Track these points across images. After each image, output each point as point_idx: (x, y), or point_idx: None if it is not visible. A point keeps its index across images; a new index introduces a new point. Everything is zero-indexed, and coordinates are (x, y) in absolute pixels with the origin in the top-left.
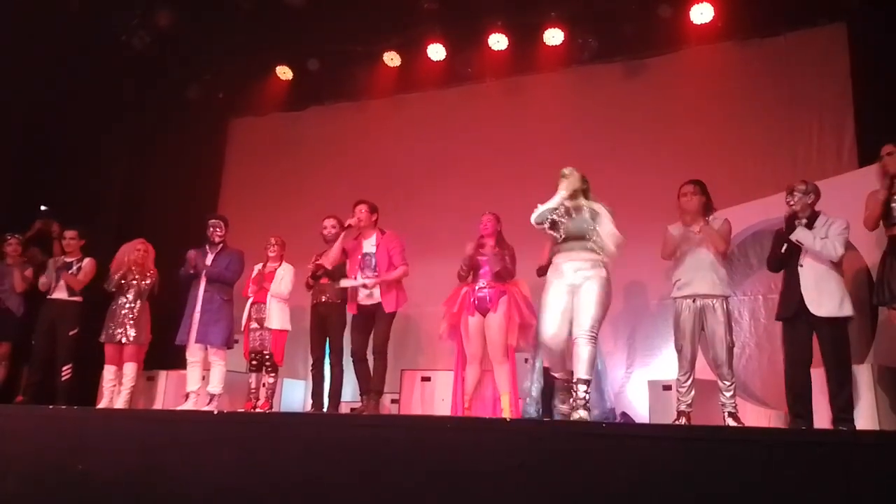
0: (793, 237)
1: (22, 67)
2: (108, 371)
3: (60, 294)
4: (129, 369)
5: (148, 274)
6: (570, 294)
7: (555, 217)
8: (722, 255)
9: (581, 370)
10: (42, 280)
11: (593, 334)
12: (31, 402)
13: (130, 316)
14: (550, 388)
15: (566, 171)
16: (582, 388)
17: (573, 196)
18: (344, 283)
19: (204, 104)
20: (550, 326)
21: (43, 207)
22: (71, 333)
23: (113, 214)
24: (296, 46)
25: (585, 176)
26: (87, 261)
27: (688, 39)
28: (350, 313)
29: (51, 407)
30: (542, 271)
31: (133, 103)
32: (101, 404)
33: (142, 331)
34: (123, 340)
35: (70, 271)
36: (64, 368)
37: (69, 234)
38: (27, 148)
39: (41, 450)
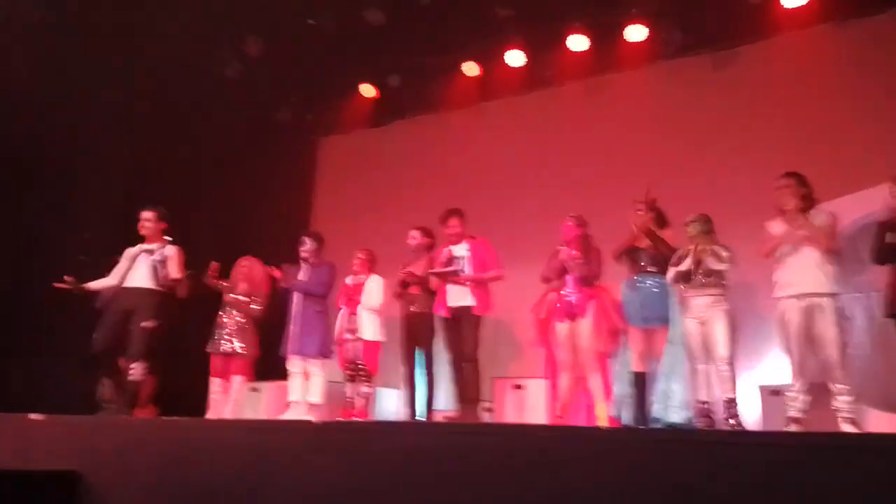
0: None
1: (128, 104)
2: (214, 383)
3: (136, 282)
4: (236, 382)
5: (257, 294)
6: (700, 324)
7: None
8: (829, 251)
9: (727, 391)
10: (109, 282)
11: (729, 362)
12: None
13: (237, 329)
14: (642, 396)
15: (689, 219)
16: (730, 405)
17: (699, 241)
18: (436, 270)
19: (294, 126)
20: (696, 356)
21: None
22: (144, 324)
23: (214, 235)
24: (377, 63)
25: (708, 217)
26: (170, 249)
27: (780, 25)
28: (441, 316)
29: (166, 418)
30: (618, 253)
31: (229, 129)
32: (209, 415)
33: (248, 344)
34: (231, 351)
35: (153, 257)
36: (131, 365)
37: (145, 215)
38: (135, 176)
39: (160, 458)
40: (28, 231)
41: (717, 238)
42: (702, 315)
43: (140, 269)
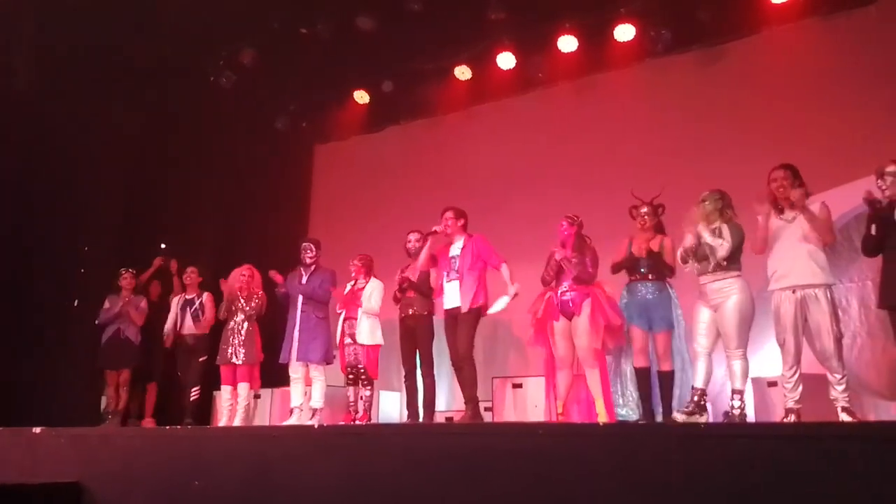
0: None
1: (127, 116)
2: (225, 391)
3: (191, 330)
4: (243, 389)
5: (254, 297)
6: (713, 311)
7: (697, 251)
8: (828, 244)
9: (735, 382)
10: (166, 329)
11: (741, 350)
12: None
13: (240, 337)
14: (647, 391)
15: (703, 196)
16: (737, 397)
17: (710, 220)
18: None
19: (290, 134)
20: (698, 342)
21: (162, 245)
22: (201, 360)
23: (216, 243)
24: (370, 70)
25: (723, 193)
26: (206, 296)
27: (767, 20)
28: (442, 317)
29: (168, 427)
30: (617, 268)
31: (227, 140)
32: (221, 423)
33: (251, 350)
34: (235, 361)
35: (193, 308)
36: (193, 390)
37: (191, 269)
38: (135, 188)
39: (162, 468)
40: (28, 245)
41: (733, 215)
42: (714, 301)
43: (187, 319)
